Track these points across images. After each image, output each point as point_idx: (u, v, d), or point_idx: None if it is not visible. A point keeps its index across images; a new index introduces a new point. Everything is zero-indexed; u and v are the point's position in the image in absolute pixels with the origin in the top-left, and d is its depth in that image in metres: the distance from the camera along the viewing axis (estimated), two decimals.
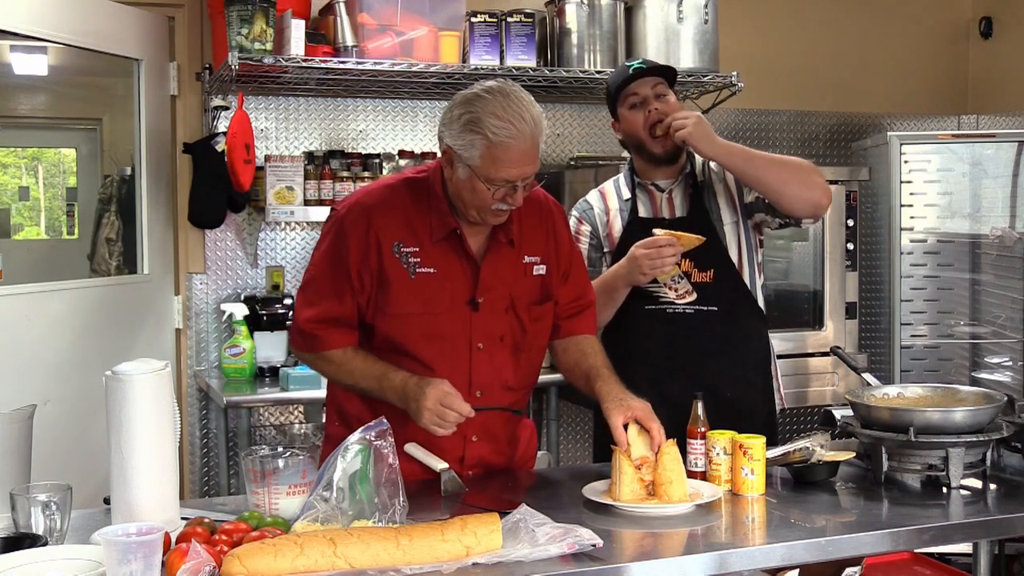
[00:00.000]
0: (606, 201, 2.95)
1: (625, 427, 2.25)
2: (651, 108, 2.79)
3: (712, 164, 2.96)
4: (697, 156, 2.92)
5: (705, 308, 2.82)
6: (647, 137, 2.82)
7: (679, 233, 2.67)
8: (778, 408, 2.98)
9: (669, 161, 2.86)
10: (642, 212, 2.90)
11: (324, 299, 2.35)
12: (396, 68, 3.86)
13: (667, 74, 2.86)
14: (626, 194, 2.93)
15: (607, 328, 2.81)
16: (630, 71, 2.83)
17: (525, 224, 2.40)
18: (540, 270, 2.45)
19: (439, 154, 2.38)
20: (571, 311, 2.53)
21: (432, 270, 2.33)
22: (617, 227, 2.90)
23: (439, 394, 2.21)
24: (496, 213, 2.29)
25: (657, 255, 2.65)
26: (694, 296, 2.82)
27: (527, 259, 2.43)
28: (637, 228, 2.86)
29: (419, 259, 2.32)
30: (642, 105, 2.82)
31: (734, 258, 2.86)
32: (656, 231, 2.68)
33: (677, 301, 2.82)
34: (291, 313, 4.09)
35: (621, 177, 2.99)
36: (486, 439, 2.40)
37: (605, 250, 2.91)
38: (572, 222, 2.95)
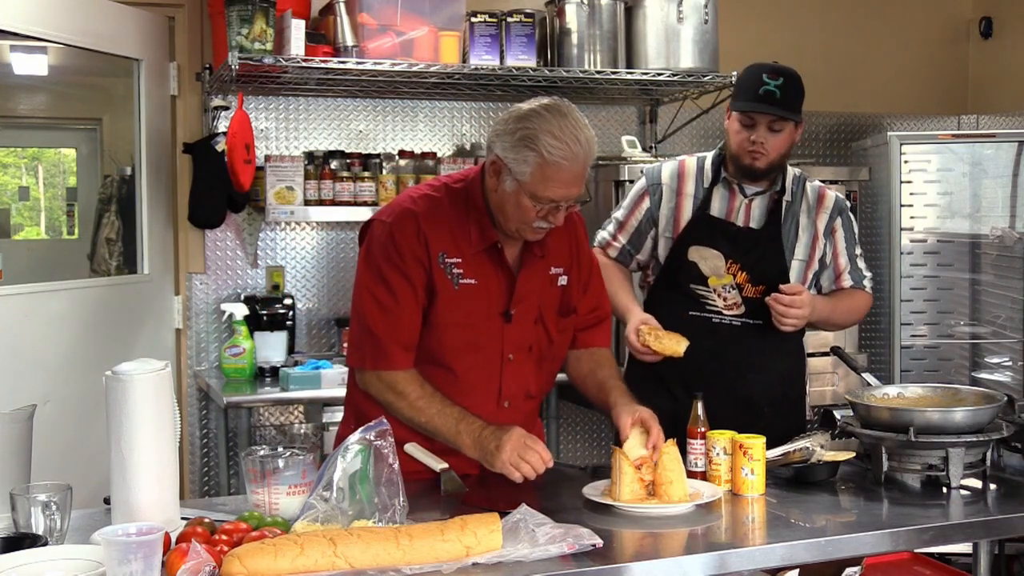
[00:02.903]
0: (683, 182, 2.87)
1: None
2: (756, 139, 2.71)
3: (809, 192, 2.88)
4: (790, 172, 2.87)
5: (751, 321, 2.77)
6: (743, 154, 2.75)
7: (663, 346, 2.61)
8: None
9: (760, 178, 2.81)
10: (715, 209, 2.83)
11: (391, 313, 2.29)
12: (396, 68, 3.86)
13: (795, 111, 2.74)
14: (706, 184, 2.85)
15: None
16: (760, 92, 2.69)
17: (550, 234, 2.39)
18: (563, 280, 2.45)
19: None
20: (588, 322, 2.53)
21: (474, 281, 2.32)
22: (686, 217, 2.84)
23: (520, 435, 2.22)
24: (536, 231, 2.29)
25: (632, 348, 2.65)
26: (742, 309, 2.77)
27: (552, 270, 2.43)
28: (702, 226, 2.81)
29: (462, 270, 2.31)
30: (752, 128, 2.73)
31: (794, 281, 2.82)
32: (642, 328, 2.64)
33: (725, 311, 2.77)
34: (291, 313, 4.10)
35: (709, 160, 2.89)
36: None
37: (662, 230, 2.84)
38: (636, 189, 2.91)
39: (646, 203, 2.88)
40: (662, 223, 2.85)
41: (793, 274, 2.82)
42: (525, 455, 2.19)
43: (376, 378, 2.32)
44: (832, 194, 2.92)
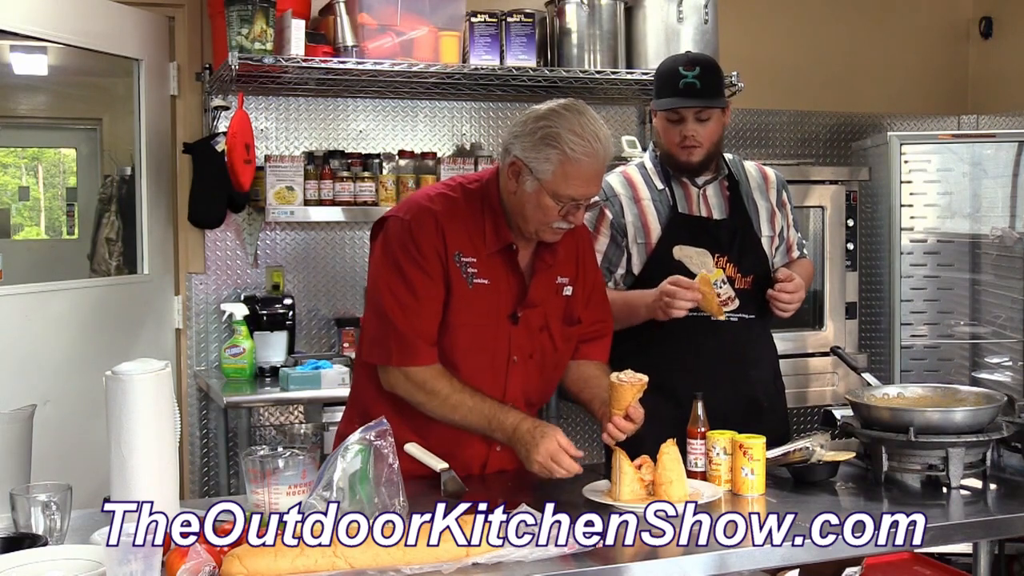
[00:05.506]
0: (635, 189, 2.82)
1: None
2: (687, 133, 2.70)
3: (751, 171, 2.89)
4: (727, 156, 2.86)
5: (747, 316, 2.76)
6: (677, 151, 2.74)
7: (701, 268, 2.59)
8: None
9: (700, 170, 2.79)
10: (679, 206, 2.79)
11: (412, 310, 2.29)
12: (396, 68, 3.86)
13: (719, 97, 2.72)
14: (659, 184, 2.81)
15: (648, 336, 2.68)
16: (680, 86, 2.68)
17: (560, 245, 2.39)
18: (567, 291, 2.45)
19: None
20: (589, 335, 2.53)
21: (487, 281, 2.33)
22: (653, 220, 2.78)
23: (552, 448, 2.21)
24: (555, 231, 2.30)
25: (672, 298, 2.55)
26: (736, 304, 2.73)
27: (559, 279, 2.44)
28: (680, 225, 2.76)
29: (476, 270, 2.32)
30: (680, 123, 2.71)
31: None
32: (702, 271, 2.59)
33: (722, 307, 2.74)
34: (291, 313, 4.10)
35: (647, 163, 2.86)
36: (508, 448, 2.40)
37: (632, 238, 2.78)
38: (591, 214, 2.80)
39: (608, 215, 2.80)
40: (631, 232, 2.79)
41: (765, 248, 2.83)
42: (554, 470, 2.21)
43: (403, 377, 2.31)
44: (771, 169, 2.94)
